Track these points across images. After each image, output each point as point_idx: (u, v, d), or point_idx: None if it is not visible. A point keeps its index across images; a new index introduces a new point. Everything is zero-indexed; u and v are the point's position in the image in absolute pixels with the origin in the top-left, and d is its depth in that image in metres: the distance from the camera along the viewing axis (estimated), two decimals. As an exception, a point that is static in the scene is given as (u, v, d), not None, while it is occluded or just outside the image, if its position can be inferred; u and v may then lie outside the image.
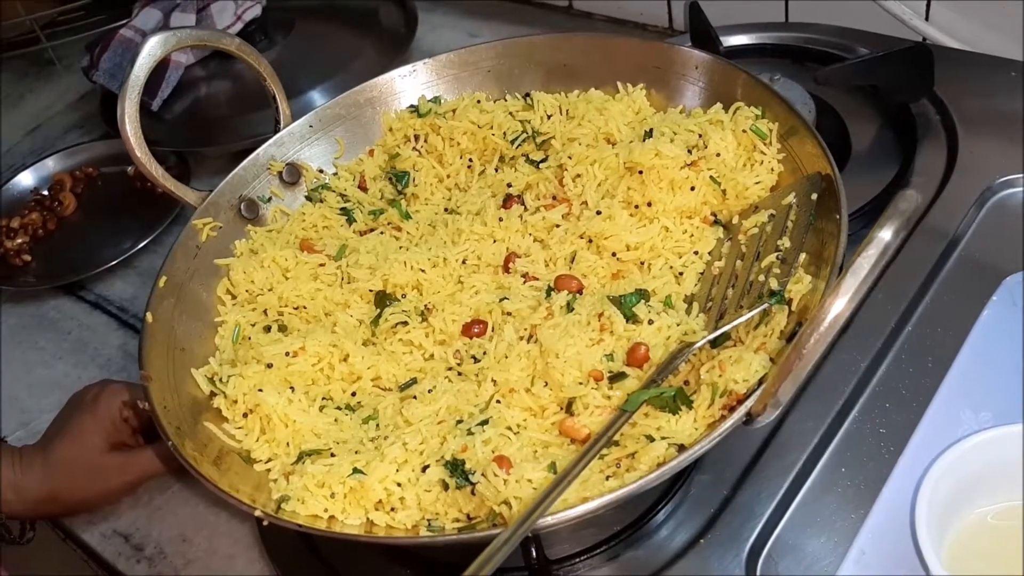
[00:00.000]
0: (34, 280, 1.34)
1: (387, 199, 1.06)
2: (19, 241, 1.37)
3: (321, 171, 1.08)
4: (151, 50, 0.94)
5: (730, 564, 0.81)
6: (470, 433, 0.77)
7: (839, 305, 0.62)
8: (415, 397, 0.84)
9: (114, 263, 1.29)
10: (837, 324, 0.62)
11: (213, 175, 1.08)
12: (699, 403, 0.75)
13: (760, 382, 0.73)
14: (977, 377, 0.86)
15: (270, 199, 1.05)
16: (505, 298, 0.89)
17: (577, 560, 0.85)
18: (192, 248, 0.98)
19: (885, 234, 0.61)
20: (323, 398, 0.86)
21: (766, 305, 0.77)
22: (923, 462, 0.74)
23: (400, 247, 0.98)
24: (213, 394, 0.87)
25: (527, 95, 1.06)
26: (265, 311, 0.96)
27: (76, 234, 1.39)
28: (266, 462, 0.82)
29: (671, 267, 0.89)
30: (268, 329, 0.93)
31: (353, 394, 0.88)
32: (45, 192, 1.45)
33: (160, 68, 1.44)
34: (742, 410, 0.70)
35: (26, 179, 1.48)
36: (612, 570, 0.84)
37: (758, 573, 0.79)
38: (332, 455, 0.80)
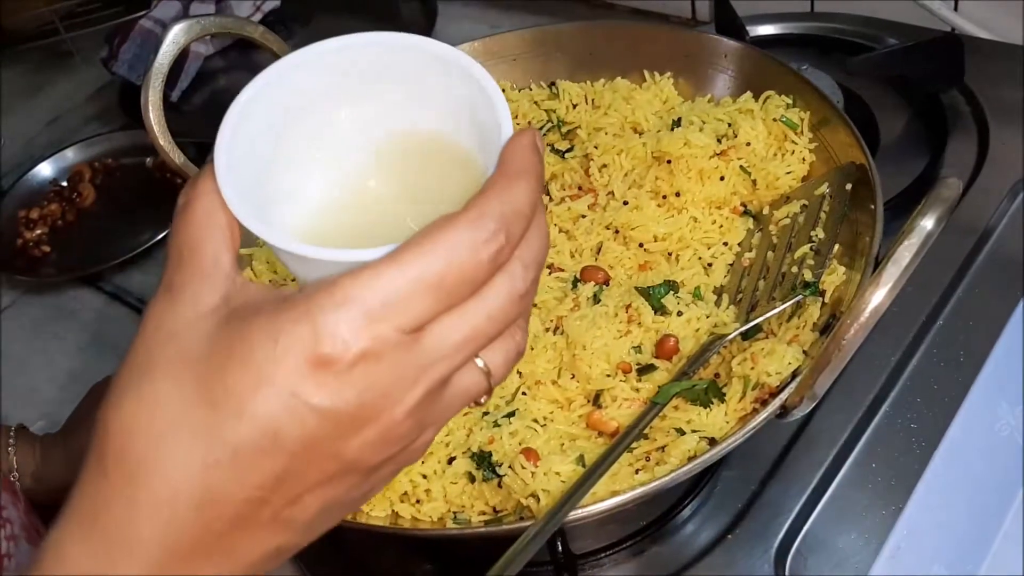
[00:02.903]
0: (53, 271, 1.33)
1: (409, 189, 1.04)
2: (38, 232, 1.36)
3: (343, 161, 1.07)
4: (175, 38, 0.92)
5: (758, 561, 0.79)
6: (496, 425, 0.76)
7: (880, 295, 0.60)
8: (440, 389, 0.82)
9: (133, 254, 1.28)
10: (878, 315, 0.61)
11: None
12: (730, 396, 0.74)
13: (793, 375, 0.71)
14: (1014, 372, 0.84)
15: (292, 189, 1.04)
16: (530, 289, 0.87)
17: (602, 555, 0.84)
18: (214, 238, 0.96)
19: (927, 223, 0.60)
20: (347, 389, 0.85)
21: (800, 297, 0.76)
22: (960, 457, 0.73)
23: (423, 238, 0.97)
24: (235, 385, 0.86)
25: (552, 84, 1.04)
26: (287, 301, 0.94)
27: (95, 225, 1.39)
28: (289, 453, 0.81)
29: (700, 258, 0.87)
30: (291, 319, 0.92)
31: (377, 385, 0.86)
32: (64, 183, 1.45)
33: (180, 58, 1.42)
34: (776, 403, 0.68)
35: (45, 170, 1.47)
36: (637, 566, 0.83)
37: (787, 571, 0.78)
38: (357, 446, 0.79)
